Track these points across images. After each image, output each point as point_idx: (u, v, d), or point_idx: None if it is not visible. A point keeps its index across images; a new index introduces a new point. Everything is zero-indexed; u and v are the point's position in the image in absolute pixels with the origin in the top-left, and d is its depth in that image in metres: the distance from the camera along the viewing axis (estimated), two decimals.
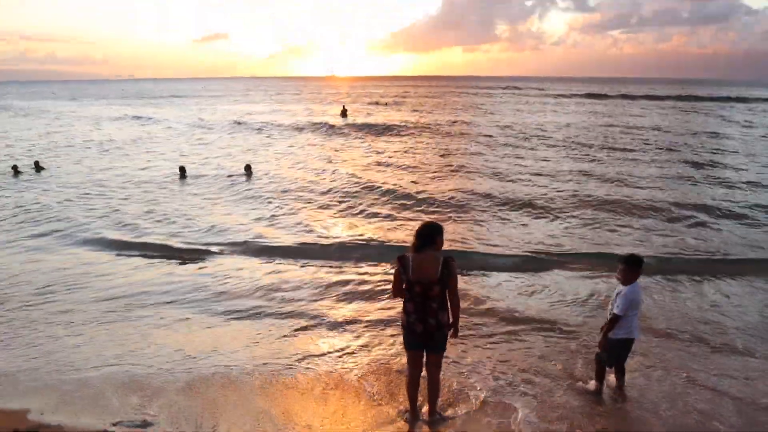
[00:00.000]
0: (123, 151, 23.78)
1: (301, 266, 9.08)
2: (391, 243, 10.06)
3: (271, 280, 8.47)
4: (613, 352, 4.85)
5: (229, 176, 17.02)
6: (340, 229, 11.31)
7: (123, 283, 8.39)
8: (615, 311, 4.67)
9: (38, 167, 18.71)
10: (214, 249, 9.98)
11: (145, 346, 6.21)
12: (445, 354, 4.48)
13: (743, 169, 17.38)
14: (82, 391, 5.19)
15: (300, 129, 30.07)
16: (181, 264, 9.34)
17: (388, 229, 11.23)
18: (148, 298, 7.79)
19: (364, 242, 10.21)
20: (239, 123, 33.96)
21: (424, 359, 4.41)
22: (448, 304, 4.22)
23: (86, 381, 5.37)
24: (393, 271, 4.28)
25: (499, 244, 9.99)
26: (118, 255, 9.87)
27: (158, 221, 12.05)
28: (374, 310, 7.22)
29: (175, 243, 10.37)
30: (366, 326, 6.73)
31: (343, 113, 39.28)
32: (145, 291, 8.04)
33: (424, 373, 4.48)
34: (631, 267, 4.67)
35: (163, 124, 35.00)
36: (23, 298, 7.73)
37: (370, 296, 7.75)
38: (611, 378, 5.08)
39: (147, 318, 7.07)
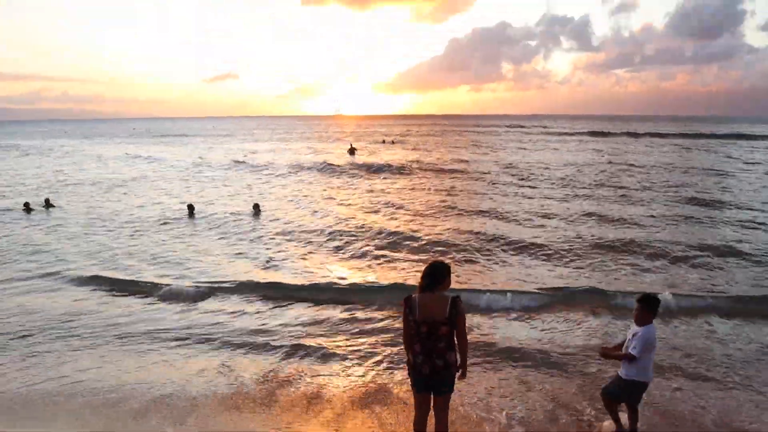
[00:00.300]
0: (130, 188, 24.15)
1: (309, 306, 9.10)
2: (396, 283, 10.09)
3: (277, 320, 8.52)
4: (625, 391, 4.74)
5: (238, 214, 17.22)
6: (345, 270, 11.34)
7: (135, 320, 8.46)
8: (632, 352, 4.57)
9: (48, 204, 19.02)
10: (225, 285, 10.07)
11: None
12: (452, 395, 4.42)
13: (746, 208, 17.39)
14: None
15: (305, 168, 30.44)
16: (192, 303, 9.42)
17: (393, 270, 11.27)
18: (165, 333, 7.87)
19: (368, 283, 10.22)
20: (240, 162, 34.40)
21: (432, 402, 4.35)
22: (456, 344, 4.21)
23: None
24: (398, 314, 4.31)
25: (503, 284, 9.99)
26: (126, 295, 9.94)
27: (166, 261, 12.15)
28: (380, 351, 7.21)
29: (186, 283, 10.42)
30: (372, 365, 6.74)
31: (351, 151, 39.89)
32: (162, 328, 8.12)
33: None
34: (647, 307, 4.59)
35: (167, 163, 35.48)
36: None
37: (376, 334, 7.74)
38: (624, 418, 4.99)
39: (153, 353, 7.13)
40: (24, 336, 7.85)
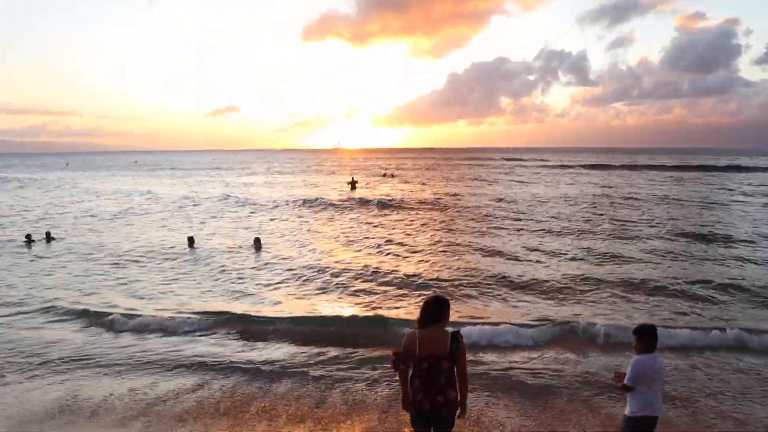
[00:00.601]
0: (129, 221, 24.32)
1: (305, 343, 9.03)
2: (395, 318, 10.08)
3: (274, 355, 8.49)
4: (633, 430, 4.55)
5: (239, 248, 17.29)
6: (343, 305, 11.35)
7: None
8: (625, 381, 4.53)
9: (49, 238, 19.11)
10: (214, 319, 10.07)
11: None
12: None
13: (745, 240, 17.42)
14: None
15: (305, 203, 30.43)
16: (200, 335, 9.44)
17: (391, 306, 11.24)
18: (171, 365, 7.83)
19: (367, 319, 10.10)
20: (233, 197, 34.15)
21: None
22: (456, 380, 4.16)
23: None
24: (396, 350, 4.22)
25: (499, 318, 9.95)
26: (130, 332, 9.92)
27: (169, 292, 12.19)
28: (380, 390, 7.17)
29: (187, 311, 10.42)
30: (369, 405, 6.69)
31: (352, 185, 40.03)
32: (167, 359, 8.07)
33: None
34: (639, 337, 4.54)
35: (166, 196, 35.54)
36: None
37: (374, 372, 7.72)
38: None
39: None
40: None
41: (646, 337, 4.52)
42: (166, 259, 15.88)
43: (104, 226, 22.56)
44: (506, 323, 9.39)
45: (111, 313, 10.39)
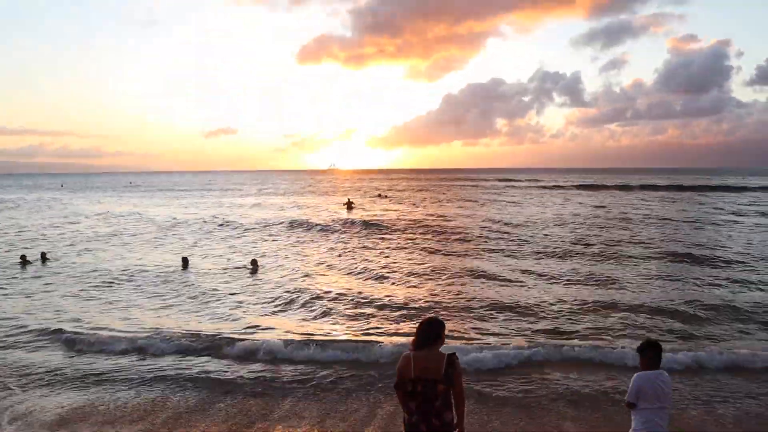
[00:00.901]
0: (124, 241, 24.33)
1: (295, 368, 8.97)
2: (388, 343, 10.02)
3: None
4: None
5: (234, 269, 17.29)
6: (337, 328, 11.33)
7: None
8: (626, 398, 4.49)
9: (44, 258, 19.07)
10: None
11: None
12: None
13: (738, 261, 17.50)
14: None
15: (301, 226, 30.11)
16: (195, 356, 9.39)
17: (384, 331, 11.27)
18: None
19: (361, 343, 9.91)
20: (221, 218, 34.18)
21: None
22: (452, 402, 4.10)
23: None
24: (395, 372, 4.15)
25: (495, 342, 9.93)
26: (119, 354, 9.89)
27: (164, 314, 12.15)
28: (380, 413, 7.20)
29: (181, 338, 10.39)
30: (369, 423, 6.71)
31: (349, 206, 40.02)
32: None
33: None
34: (641, 353, 4.51)
35: (160, 217, 35.32)
36: None
37: (368, 395, 7.76)
38: None
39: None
40: None
41: (647, 353, 4.47)
42: (164, 281, 15.81)
43: (98, 247, 22.53)
44: (500, 344, 9.44)
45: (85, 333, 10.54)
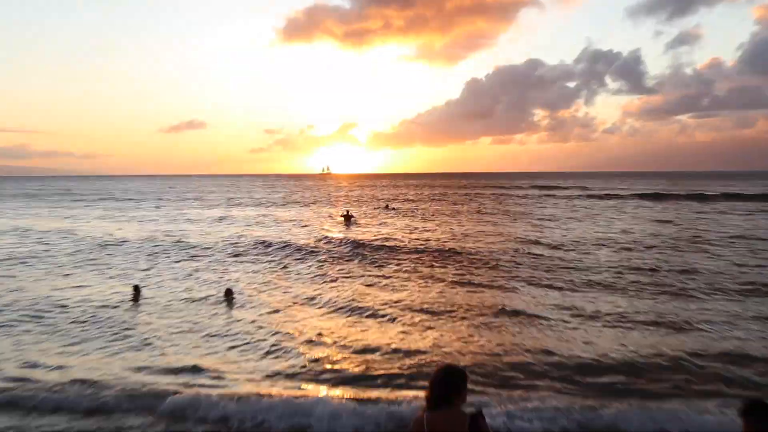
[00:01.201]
0: (45, 264, 24.51)
1: None
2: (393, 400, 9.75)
3: None
4: None
5: (205, 300, 17.44)
6: (330, 385, 11.06)
7: None
8: None
9: None
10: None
11: None
12: None
13: None
14: None
15: (292, 247, 29.93)
16: None
17: (391, 384, 10.91)
18: None
19: (363, 399, 9.84)
20: (178, 240, 34.11)
21: None
22: None
23: None
24: None
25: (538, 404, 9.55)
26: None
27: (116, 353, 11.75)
28: None
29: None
30: None
31: (347, 219, 40.95)
32: None
33: None
34: (745, 418, 4.39)
35: (90, 236, 35.10)
36: None
37: None
38: None
39: None
40: None
41: (753, 419, 4.32)
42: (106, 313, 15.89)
43: (15, 273, 22.49)
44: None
45: None
